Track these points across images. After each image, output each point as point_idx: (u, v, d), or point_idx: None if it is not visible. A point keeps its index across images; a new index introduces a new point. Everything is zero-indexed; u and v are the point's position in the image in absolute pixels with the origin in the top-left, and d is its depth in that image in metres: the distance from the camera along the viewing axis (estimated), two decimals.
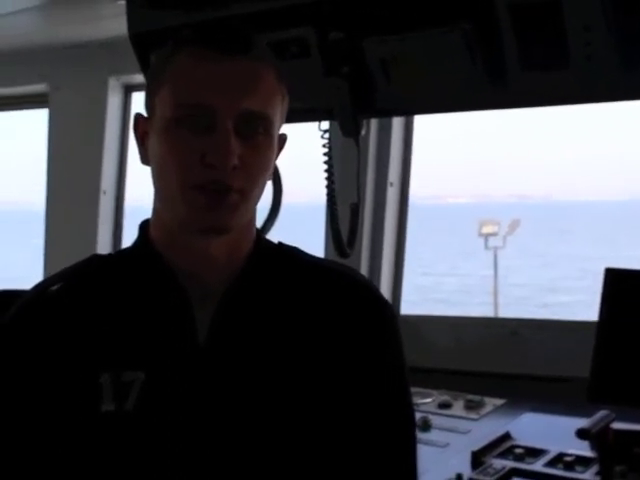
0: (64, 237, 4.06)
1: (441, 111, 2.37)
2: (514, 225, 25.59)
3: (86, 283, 1.53)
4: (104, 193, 4.02)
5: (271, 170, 1.49)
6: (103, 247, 3.97)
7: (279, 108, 1.46)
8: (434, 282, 28.18)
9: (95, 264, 1.57)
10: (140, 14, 2.50)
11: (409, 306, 3.74)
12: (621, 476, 2.10)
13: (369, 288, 1.61)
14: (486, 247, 23.88)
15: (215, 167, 1.38)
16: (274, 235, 1.68)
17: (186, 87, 1.41)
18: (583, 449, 2.26)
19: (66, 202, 4.10)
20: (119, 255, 1.62)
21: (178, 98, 1.41)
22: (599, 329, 2.53)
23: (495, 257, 22.94)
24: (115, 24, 2.72)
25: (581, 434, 1.94)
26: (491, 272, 22.57)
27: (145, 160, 1.49)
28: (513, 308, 19.25)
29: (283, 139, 1.53)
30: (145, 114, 1.50)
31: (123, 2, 2.60)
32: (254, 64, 1.43)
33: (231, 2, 2.25)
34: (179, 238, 1.48)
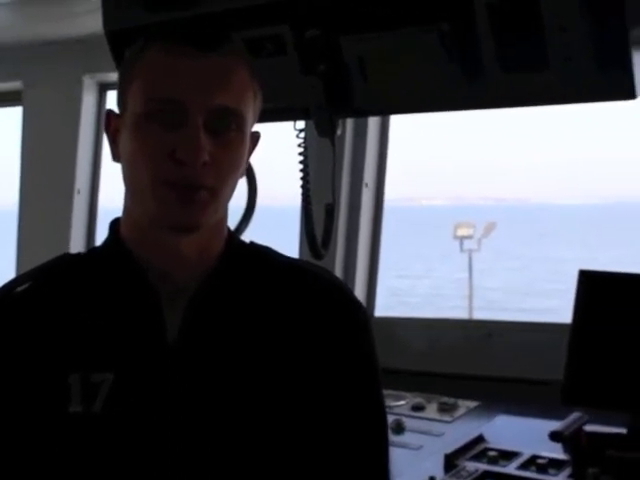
0: (37, 236, 4.04)
1: (418, 111, 2.36)
2: (489, 228, 25.68)
3: (55, 282, 1.52)
4: (78, 192, 4.00)
5: (243, 168, 1.47)
6: (76, 246, 3.94)
7: (251, 105, 1.45)
8: (409, 285, 28.25)
9: (65, 263, 1.56)
10: (115, 11, 2.48)
11: (383, 310, 3.74)
12: (594, 478, 2.10)
13: (343, 290, 1.60)
14: (461, 250, 23.98)
15: (185, 163, 1.36)
16: (248, 236, 1.66)
17: (156, 82, 1.39)
18: (556, 452, 2.27)
19: (40, 201, 4.09)
20: (89, 254, 1.61)
21: (148, 93, 1.39)
22: (573, 331, 2.54)
23: (470, 260, 23.04)
24: (90, 21, 2.71)
25: (554, 436, 1.94)
26: (466, 275, 22.67)
27: (116, 157, 1.48)
28: (486, 313, 19.32)
29: (256, 137, 1.52)
30: (117, 111, 1.49)
31: None
32: (226, 60, 1.42)
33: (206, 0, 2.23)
34: (149, 235, 1.46)
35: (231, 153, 1.42)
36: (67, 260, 1.56)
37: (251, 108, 1.45)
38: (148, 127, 1.39)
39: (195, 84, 1.38)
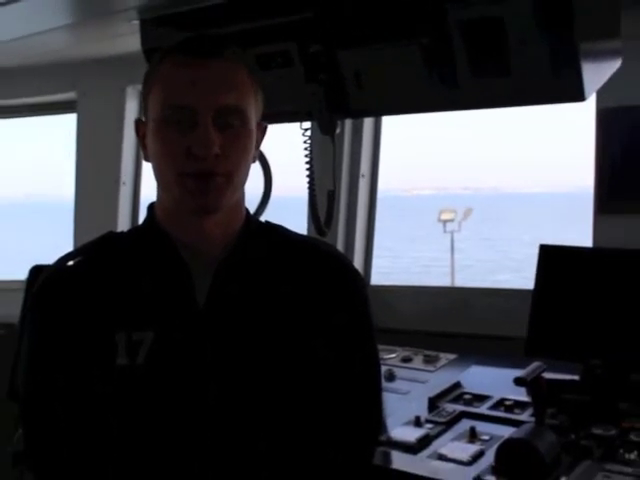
0: (90, 222, 4.03)
1: (403, 112, 2.36)
2: (467, 213, 25.63)
3: (102, 256, 1.53)
4: (124, 184, 4.00)
5: (252, 155, 1.47)
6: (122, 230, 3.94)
7: (252, 101, 1.45)
8: (397, 265, 28.05)
9: (110, 240, 1.57)
10: (151, 32, 2.49)
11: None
12: (551, 417, 2.10)
13: (344, 260, 1.62)
14: (444, 231, 23.95)
15: (199, 157, 1.37)
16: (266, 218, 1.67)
17: (169, 91, 1.40)
18: (521, 395, 2.26)
19: (91, 193, 4.08)
20: (131, 232, 1.63)
21: (164, 101, 1.41)
22: (534, 296, 2.54)
23: (452, 239, 23.02)
24: (131, 41, 2.71)
25: (518, 382, 1.94)
26: (449, 251, 22.66)
27: (146, 157, 1.49)
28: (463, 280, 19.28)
29: (263, 128, 1.52)
30: (143, 119, 1.50)
31: (137, 22, 2.59)
32: (226, 65, 1.42)
33: (227, 21, 2.23)
34: (178, 218, 1.47)
35: (239, 144, 1.42)
36: (112, 237, 1.57)
37: (253, 103, 1.45)
38: (167, 130, 1.40)
39: (201, 90, 1.38)
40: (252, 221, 1.56)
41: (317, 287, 1.51)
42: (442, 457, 2.01)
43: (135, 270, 1.49)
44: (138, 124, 1.51)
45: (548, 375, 2.02)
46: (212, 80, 1.40)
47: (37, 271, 2.93)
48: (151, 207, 1.55)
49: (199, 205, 1.42)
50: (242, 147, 1.43)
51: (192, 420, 1.41)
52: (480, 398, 2.37)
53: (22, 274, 3.14)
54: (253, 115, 1.45)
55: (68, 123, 4.23)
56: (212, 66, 1.40)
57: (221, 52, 1.43)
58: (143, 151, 1.50)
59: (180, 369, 1.42)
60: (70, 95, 4.09)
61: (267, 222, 1.61)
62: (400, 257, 28.66)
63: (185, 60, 1.40)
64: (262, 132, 1.52)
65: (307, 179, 2.35)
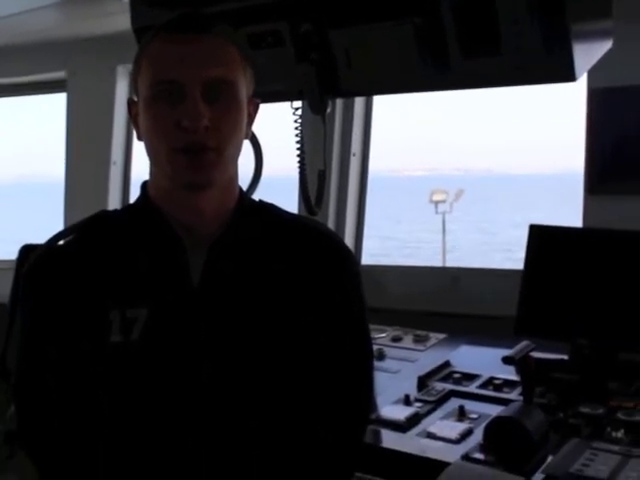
0: (80, 201, 4.04)
1: (394, 92, 2.35)
2: (459, 194, 25.62)
3: (95, 234, 1.53)
4: (114, 164, 4.00)
5: (243, 131, 1.47)
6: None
7: (242, 75, 1.44)
8: (391, 245, 28.09)
9: (103, 218, 1.57)
10: (141, 11, 2.47)
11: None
12: (540, 396, 2.12)
13: (335, 239, 1.62)
14: (436, 212, 23.96)
15: (189, 130, 1.37)
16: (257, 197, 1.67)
17: (158, 67, 1.40)
18: (510, 374, 2.29)
19: (82, 172, 4.08)
20: (124, 210, 1.62)
21: (153, 77, 1.41)
22: (524, 276, 2.55)
23: (444, 220, 23.04)
24: (122, 19, 2.69)
25: (506, 360, 1.95)
26: (440, 231, 22.69)
27: (140, 137, 1.49)
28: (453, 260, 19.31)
29: (255, 104, 1.52)
30: (135, 98, 1.50)
31: (127, 1, 2.57)
32: (214, 39, 1.42)
33: (218, 0, 2.22)
34: (171, 194, 1.47)
35: (229, 117, 1.42)
36: (105, 215, 1.57)
37: (242, 78, 1.44)
38: (157, 106, 1.40)
39: (190, 63, 1.38)
40: (245, 199, 1.56)
41: (310, 266, 1.51)
42: (431, 435, 2.03)
43: (129, 247, 1.49)
44: (130, 104, 1.51)
45: (537, 354, 2.03)
46: (200, 54, 1.39)
47: (27, 251, 2.93)
48: (144, 185, 1.55)
49: (191, 180, 1.42)
50: (232, 120, 1.43)
51: (185, 398, 1.42)
52: (469, 377, 2.39)
53: (13, 254, 3.14)
54: (243, 89, 1.45)
55: (57, 102, 4.21)
56: (201, 41, 1.40)
57: (209, 29, 1.42)
58: (136, 130, 1.50)
59: (173, 346, 1.42)
60: (60, 74, 4.08)
61: (260, 201, 1.61)
62: (391, 238, 28.67)
63: (174, 37, 1.40)
64: (254, 108, 1.51)
65: (298, 159, 2.34)
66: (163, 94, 1.39)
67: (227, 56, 1.43)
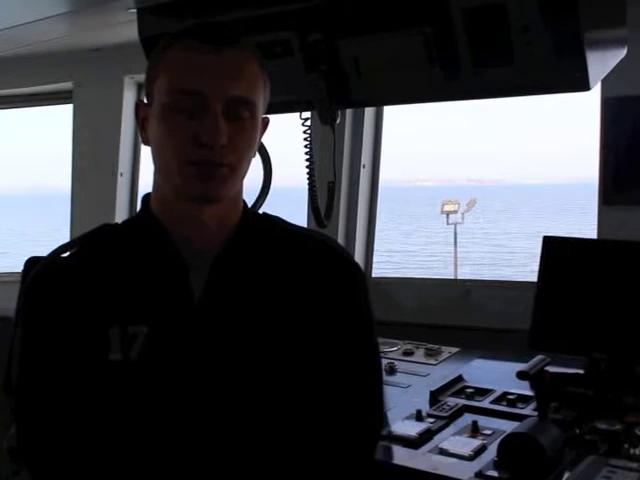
0: (87, 213, 4.04)
1: (404, 103, 2.36)
2: (471, 204, 25.65)
3: (96, 248, 1.52)
4: (121, 175, 4.00)
5: (255, 148, 1.47)
6: (119, 221, 3.93)
7: (262, 93, 1.44)
8: (401, 258, 27.99)
9: (104, 232, 1.56)
10: (148, 21, 2.48)
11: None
12: (555, 411, 2.10)
13: (342, 253, 1.60)
14: (447, 223, 23.95)
15: (207, 146, 1.36)
16: (266, 210, 1.66)
17: (179, 75, 1.39)
18: (524, 389, 2.26)
19: (88, 183, 4.08)
20: (125, 224, 1.61)
21: (173, 85, 1.39)
22: (538, 288, 2.53)
23: (455, 231, 23.01)
24: (128, 30, 2.70)
25: (521, 375, 1.94)
26: (452, 242, 22.66)
27: (145, 141, 1.48)
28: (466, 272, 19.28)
29: (266, 122, 1.52)
30: (144, 100, 1.49)
31: (134, 11, 2.58)
32: (239, 54, 1.41)
33: (226, 9, 2.22)
34: (176, 208, 1.46)
35: (246, 136, 1.41)
36: (106, 229, 1.56)
37: (262, 96, 1.44)
38: (174, 116, 1.38)
39: (213, 77, 1.37)
40: (249, 213, 1.55)
41: (315, 281, 1.50)
42: (444, 452, 2.01)
43: (129, 263, 1.48)
44: (139, 106, 1.49)
45: (552, 368, 2.01)
46: (224, 68, 1.38)
47: (32, 264, 2.93)
48: (145, 198, 1.54)
49: (201, 192, 1.40)
50: (248, 140, 1.42)
51: (186, 416, 1.40)
52: (482, 392, 2.36)
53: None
54: (261, 108, 1.45)
55: (65, 114, 4.22)
56: (224, 54, 1.39)
57: (234, 40, 1.41)
58: (141, 135, 1.49)
59: (174, 364, 1.41)
60: (66, 85, 4.08)
61: (265, 214, 1.60)
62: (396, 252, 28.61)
63: (196, 45, 1.39)
64: (264, 125, 1.51)
65: (307, 170, 2.34)
66: (183, 104, 1.37)
67: (251, 74, 1.42)
